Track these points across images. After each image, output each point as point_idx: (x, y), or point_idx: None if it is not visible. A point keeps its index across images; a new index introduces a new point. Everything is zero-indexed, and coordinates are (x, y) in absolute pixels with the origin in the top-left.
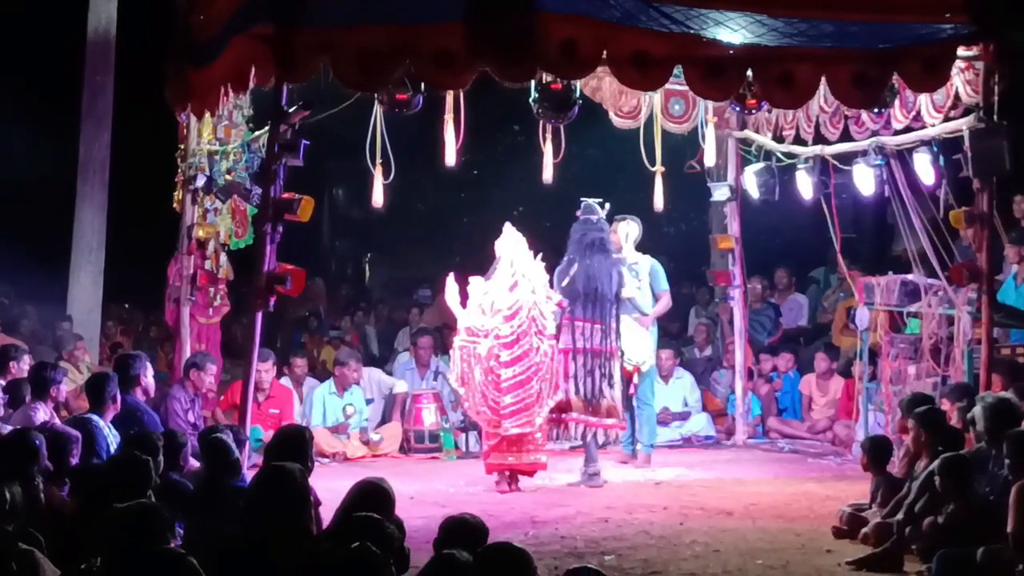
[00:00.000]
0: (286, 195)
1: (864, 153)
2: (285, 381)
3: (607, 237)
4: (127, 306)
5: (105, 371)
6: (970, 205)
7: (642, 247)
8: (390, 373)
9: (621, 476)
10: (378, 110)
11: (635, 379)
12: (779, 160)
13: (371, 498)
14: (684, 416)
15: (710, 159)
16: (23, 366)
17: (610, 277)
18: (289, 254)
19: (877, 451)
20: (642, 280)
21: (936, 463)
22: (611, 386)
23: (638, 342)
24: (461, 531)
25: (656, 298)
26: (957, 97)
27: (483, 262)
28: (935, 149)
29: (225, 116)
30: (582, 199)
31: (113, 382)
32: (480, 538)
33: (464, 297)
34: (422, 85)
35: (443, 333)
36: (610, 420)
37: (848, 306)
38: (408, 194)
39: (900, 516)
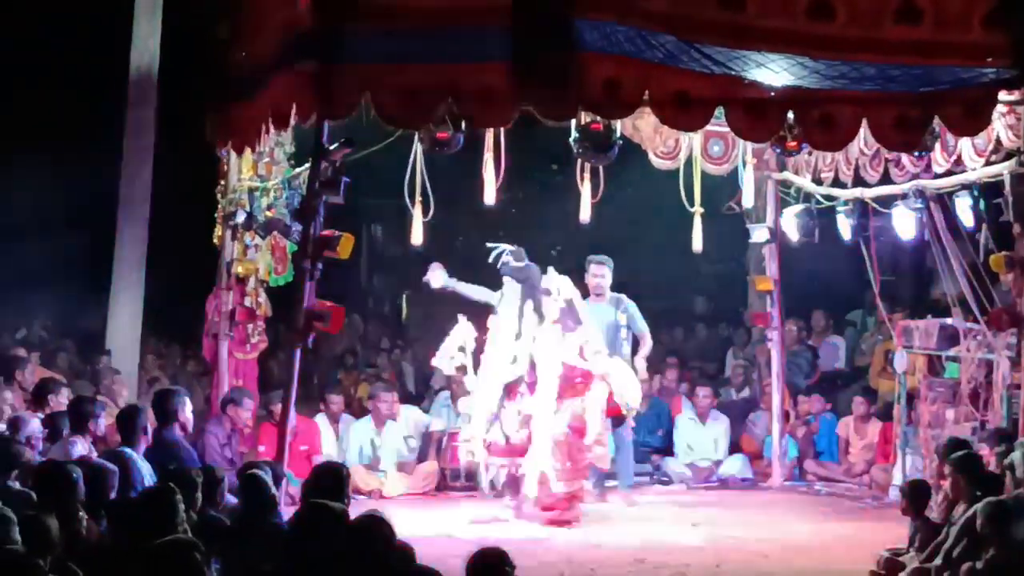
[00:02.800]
0: (326, 232)
1: (904, 196)
2: (320, 418)
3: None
4: (166, 341)
5: (135, 404)
6: (1010, 250)
7: (683, 287)
8: (426, 411)
9: (657, 516)
10: (418, 148)
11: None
12: (818, 202)
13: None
14: (716, 466)
15: (749, 200)
16: (62, 400)
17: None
18: (327, 291)
19: (916, 495)
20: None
21: (978, 507)
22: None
23: (630, 382)
24: (489, 565)
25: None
26: (998, 141)
27: None
28: (975, 193)
29: (267, 153)
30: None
31: (144, 414)
32: (508, 573)
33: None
34: (463, 124)
35: None
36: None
37: (886, 349)
38: (447, 232)
39: (938, 561)
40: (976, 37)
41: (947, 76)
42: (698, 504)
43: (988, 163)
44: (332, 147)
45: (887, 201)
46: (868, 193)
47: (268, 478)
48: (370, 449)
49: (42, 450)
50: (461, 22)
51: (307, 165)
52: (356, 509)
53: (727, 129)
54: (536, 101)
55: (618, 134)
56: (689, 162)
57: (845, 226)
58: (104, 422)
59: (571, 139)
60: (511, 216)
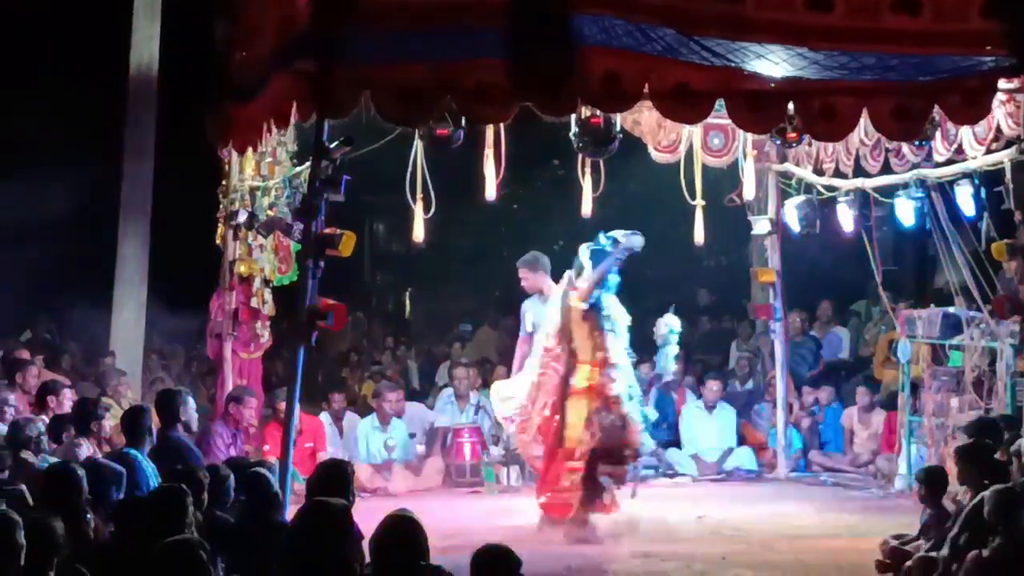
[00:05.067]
0: (327, 230)
1: (905, 186)
2: (324, 416)
3: None
4: (169, 341)
5: (140, 404)
6: (1012, 237)
7: (686, 280)
8: (431, 407)
9: (663, 509)
10: (418, 145)
11: None
12: (819, 193)
13: (400, 533)
14: (723, 456)
15: (750, 192)
16: (63, 400)
17: None
18: (330, 289)
19: (933, 482)
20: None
21: (985, 494)
22: None
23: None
24: (494, 561)
25: None
26: (998, 129)
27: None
28: (976, 181)
29: (269, 152)
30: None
31: (148, 415)
32: (514, 569)
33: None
34: (463, 120)
35: (484, 368)
36: None
37: (890, 339)
38: (448, 228)
39: (945, 551)
40: (975, 26)
41: (946, 65)
42: (704, 496)
43: (989, 151)
44: (332, 145)
45: (888, 191)
46: (869, 183)
47: (273, 476)
48: (376, 447)
49: (48, 452)
50: (459, 19)
51: (308, 164)
52: (361, 506)
53: (727, 121)
54: (535, 96)
55: (618, 128)
56: (690, 155)
57: (847, 216)
58: (109, 423)
59: (571, 134)
60: (513, 211)
